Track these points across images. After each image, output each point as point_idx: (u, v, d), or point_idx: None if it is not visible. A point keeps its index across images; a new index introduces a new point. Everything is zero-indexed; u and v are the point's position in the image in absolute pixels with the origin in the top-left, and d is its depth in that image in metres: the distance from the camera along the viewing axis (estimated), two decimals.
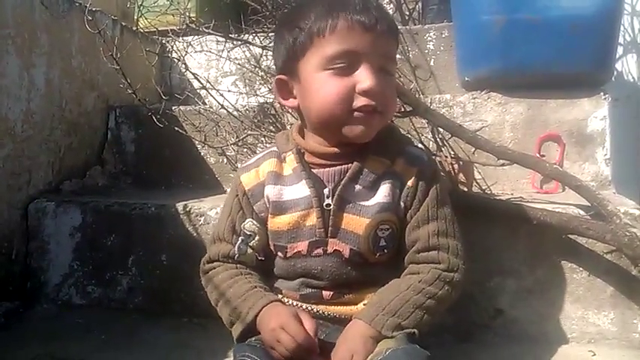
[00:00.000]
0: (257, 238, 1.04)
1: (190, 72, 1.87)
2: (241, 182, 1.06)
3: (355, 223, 0.98)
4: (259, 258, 1.05)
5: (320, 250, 1.00)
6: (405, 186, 1.00)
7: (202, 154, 1.90)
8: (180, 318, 1.44)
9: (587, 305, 1.27)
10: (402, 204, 1.00)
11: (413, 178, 1.00)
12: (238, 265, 1.04)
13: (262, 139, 1.74)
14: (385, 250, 1.00)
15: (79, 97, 1.84)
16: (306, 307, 1.01)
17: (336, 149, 1.02)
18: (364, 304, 0.99)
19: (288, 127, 1.67)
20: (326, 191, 1.00)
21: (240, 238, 1.04)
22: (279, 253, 1.03)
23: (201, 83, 1.84)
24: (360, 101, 0.95)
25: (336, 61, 0.94)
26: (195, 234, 1.47)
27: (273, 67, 1.95)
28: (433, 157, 1.47)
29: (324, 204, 0.99)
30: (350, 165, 1.00)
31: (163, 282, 1.49)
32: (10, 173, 1.54)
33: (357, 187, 0.99)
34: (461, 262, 0.99)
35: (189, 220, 1.47)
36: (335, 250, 0.99)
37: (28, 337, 1.34)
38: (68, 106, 1.78)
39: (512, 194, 1.52)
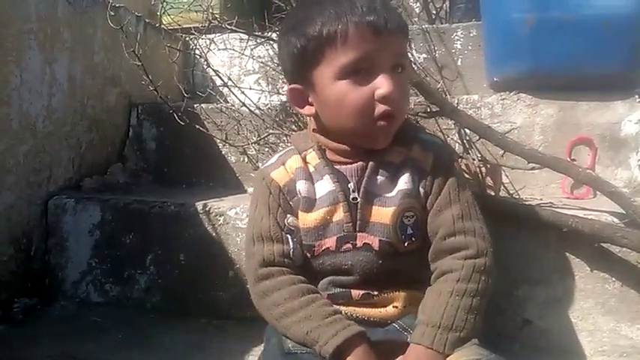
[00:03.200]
0: (299, 234, 1.00)
1: (212, 70, 1.85)
2: (274, 179, 1.02)
3: (382, 214, 0.97)
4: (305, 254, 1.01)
5: (349, 245, 0.97)
6: (423, 172, 0.99)
7: (223, 152, 1.88)
8: (199, 319, 1.42)
9: (619, 317, 1.22)
10: (422, 190, 0.99)
11: (430, 162, 0.99)
12: (302, 278, 0.98)
13: (284, 138, 1.71)
14: (413, 239, 0.97)
15: (101, 93, 1.83)
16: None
17: (356, 147, 1.00)
18: (394, 307, 0.97)
19: None
20: (351, 185, 0.98)
21: (288, 235, 1.00)
22: (307, 253, 1.00)
23: (223, 81, 1.82)
24: (380, 108, 0.93)
25: (351, 70, 0.93)
26: (214, 234, 1.45)
27: None
28: (460, 159, 1.44)
29: (351, 198, 0.97)
30: (371, 159, 0.98)
31: (181, 282, 1.47)
32: (31, 169, 1.53)
33: (380, 178, 0.98)
34: (488, 245, 0.97)
35: (209, 220, 1.45)
36: (365, 243, 0.97)
37: (45, 335, 1.33)
38: (90, 102, 1.77)
39: (541, 199, 1.46)
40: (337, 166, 1.00)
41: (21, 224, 1.50)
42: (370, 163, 0.98)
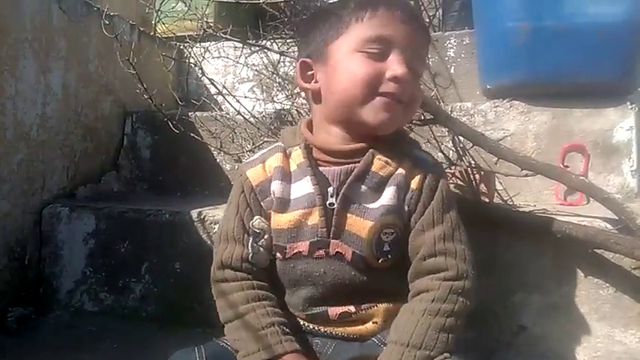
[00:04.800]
0: (266, 236, 0.98)
1: (207, 78, 1.86)
2: (248, 178, 1.00)
3: (359, 225, 0.94)
4: (270, 258, 1.00)
5: (322, 252, 0.95)
6: (409, 189, 0.97)
7: (218, 160, 1.88)
8: (194, 328, 1.41)
9: (613, 323, 1.22)
10: (406, 207, 0.96)
11: (418, 181, 0.97)
12: (255, 283, 0.97)
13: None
14: (389, 256, 0.95)
15: (95, 101, 1.83)
16: (313, 328, 0.98)
17: (344, 146, 0.98)
18: (373, 322, 0.96)
19: None
20: (330, 190, 0.95)
21: (250, 238, 0.98)
22: (278, 254, 0.98)
23: (218, 89, 1.82)
24: (387, 87, 0.93)
25: (371, 45, 0.93)
26: (209, 242, 1.44)
27: (291, 73, 1.94)
28: (454, 166, 1.45)
29: (327, 202, 0.95)
30: (356, 164, 0.96)
31: (177, 291, 1.46)
32: (25, 178, 1.53)
33: (363, 187, 0.96)
34: (470, 268, 0.94)
35: (204, 228, 1.45)
36: (337, 252, 0.95)
37: (40, 345, 1.32)
38: (84, 110, 1.77)
39: (535, 206, 1.47)
40: (321, 167, 0.97)
41: (15, 233, 1.50)
42: (355, 169, 0.95)
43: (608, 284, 1.22)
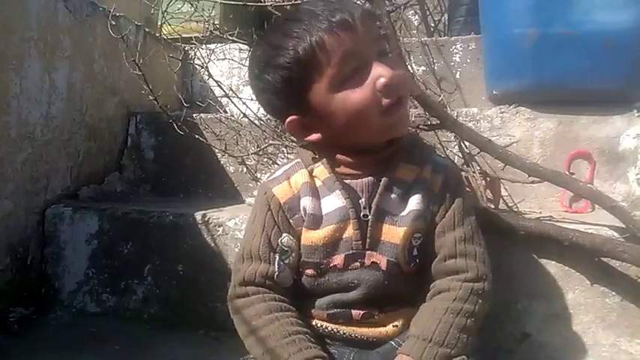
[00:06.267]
0: (293, 254, 0.97)
1: (213, 79, 1.85)
2: (275, 195, 0.98)
3: (393, 233, 0.95)
4: (294, 277, 0.99)
5: (357, 264, 0.95)
6: (432, 193, 0.98)
7: (222, 162, 1.87)
8: (196, 330, 1.41)
9: (619, 332, 1.21)
10: (430, 211, 0.97)
11: (440, 185, 0.98)
12: (277, 296, 0.95)
13: (283, 149, 1.71)
14: (417, 260, 0.97)
15: (100, 102, 1.83)
16: (332, 329, 0.97)
17: (368, 158, 0.98)
18: (394, 326, 0.96)
19: None
20: (361, 202, 0.95)
21: (276, 256, 0.96)
22: (309, 271, 0.97)
23: (224, 91, 1.81)
24: (385, 98, 0.91)
25: (343, 76, 0.90)
26: (213, 244, 1.44)
27: None
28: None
29: (361, 215, 0.95)
30: (382, 175, 0.96)
31: (179, 293, 1.46)
32: (29, 177, 1.52)
33: (392, 196, 0.96)
34: (488, 271, 0.96)
35: (208, 230, 1.45)
36: (372, 262, 0.95)
37: (41, 346, 1.31)
38: (89, 111, 1.76)
39: (540, 212, 1.47)
40: (347, 180, 0.97)
41: (18, 233, 1.49)
42: (383, 179, 0.95)
43: (614, 293, 1.21)
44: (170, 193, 1.90)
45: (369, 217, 0.94)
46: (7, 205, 1.45)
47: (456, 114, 1.67)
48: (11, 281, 1.47)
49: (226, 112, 1.97)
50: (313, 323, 0.98)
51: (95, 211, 1.56)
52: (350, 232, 0.95)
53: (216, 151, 1.84)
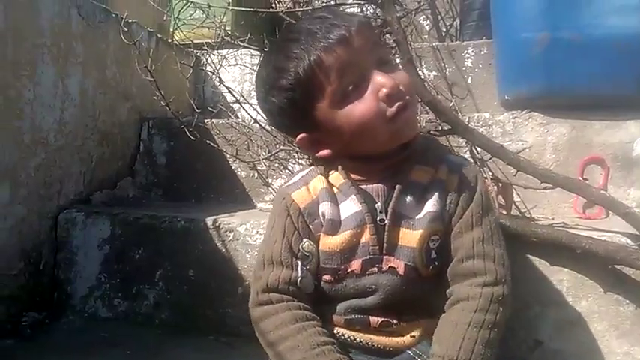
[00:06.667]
0: (313, 259, 0.96)
1: (224, 85, 1.86)
2: (294, 200, 0.98)
3: (410, 236, 0.94)
4: (314, 283, 0.98)
5: (375, 268, 0.94)
6: (448, 193, 0.96)
7: (233, 168, 1.88)
8: (207, 335, 1.41)
9: (633, 340, 1.19)
10: (447, 212, 0.96)
11: (456, 184, 0.97)
12: (301, 304, 0.94)
13: (294, 154, 1.71)
14: (436, 263, 0.95)
15: (112, 107, 1.84)
16: (350, 337, 0.96)
17: (381, 165, 0.98)
18: (411, 336, 0.95)
19: None
20: (377, 206, 0.95)
21: (298, 261, 0.96)
22: (327, 277, 0.97)
23: (235, 97, 1.82)
24: (390, 106, 0.90)
25: (345, 91, 0.91)
26: (223, 250, 1.44)
27: None
28: None
29: (378, 219, 0.94)
30: (397, 178, 0.96)
31: (190, 298, 1.46)
32: (42, 183, 1.54)
33: (408, 198, 0.95)
34: (507, 273, 0.94)
35: (219, 236, 1.45)
36: (390, 267, 0.94)
37: (52, 350, 1.32)
38: (102, 116, 1.78)
39: (553, 219, 1.45)
40: (363, 186, 0.96)
41: (31, 238, 1.50)
42: (398, 182, 0.95)
43: (628, 300, 1.19)
44: (182, 199, 1.91)
45: (386, 221, 0.94)
46: (21, 211, 1.46)
47: (467, 119, 1.67)
48: (24, 286, 1.48)
49: (238, 118, 1.98)
50: (330, 328, 0.97)
51: (107, 216, 1.57)
52: (367, 236, 0.94)
53: (228, 156, 1.85)
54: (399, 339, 0.95)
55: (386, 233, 0.94)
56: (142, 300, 1.50)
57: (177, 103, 1.93)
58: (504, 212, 1.41)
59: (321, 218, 0.97)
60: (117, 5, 2.04)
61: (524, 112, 1.65)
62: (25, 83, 1.46)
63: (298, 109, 0.94)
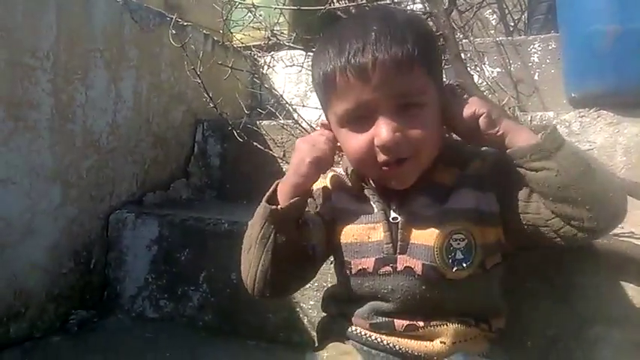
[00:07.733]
0: (318, 228, 0.95)
1: (274, 90, 1.84)
2: None
3: (425, 235, 0.90)
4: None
5: (388, 268, 0.91)
6: (483, 187, 0.91)
7: (284, 169, 1.85)
8: (247, 340, 1.40)
9: None
10: (484, 209, 0.90)
11: (491, 169, 0.92)
12: None
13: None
14: (464, 264, 0.89)
15: (166, 110, 1.86)
16: (376, 339, 0.92)
17: None
18: (441, 342, 0.89)
19: None
20: (392, 204, 0.93)
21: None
22: (345, 270, 0.95)
23: (285, 100, 1.80)
24: (381, 156, 0.87)
25: (347, 119, 0.88)
26: None
27: None
28: None
29: (391, 217, 0.92)
30: (416, 181, 0.92)
31: (232, 301, 1.45)
32: (94, 184, 1.57)
33: (427, 199, 0.92)
34: None
35: None
36: (406, 267, 0.90)
37: (96, 348, 1.35)
38: (155, 119, 1.80)
39: (622, 228, 1.32)
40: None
41: (82, 238, 1.54)
42: (417, 184, 0.91)
43: None
44: (233, 200, 1.91)
45: (399, 219, 0.91)
46: (72, 211, 1.50)
47: (530, 118, 1.56)
48: (74, 285, 1.52)
49: (292, 119, 1.96)
50: (357, 331, 0.94)
51: (156, 217, 1.58)
52: (380, 234, 0.92)
53: (277, 157, 1.83)
54: (427, 344, 0.90)
55: (399, 231, 0.91)
56: (186, 302, 1.50)
57: (233, 105, 1.93)
58: None
59: (332, 204, 0.97)
60: (188, 12, 2.07)
61: (592, 110, 1.51)
62: (77, 87, 1.50)
63: (320, 101, 0.96)
